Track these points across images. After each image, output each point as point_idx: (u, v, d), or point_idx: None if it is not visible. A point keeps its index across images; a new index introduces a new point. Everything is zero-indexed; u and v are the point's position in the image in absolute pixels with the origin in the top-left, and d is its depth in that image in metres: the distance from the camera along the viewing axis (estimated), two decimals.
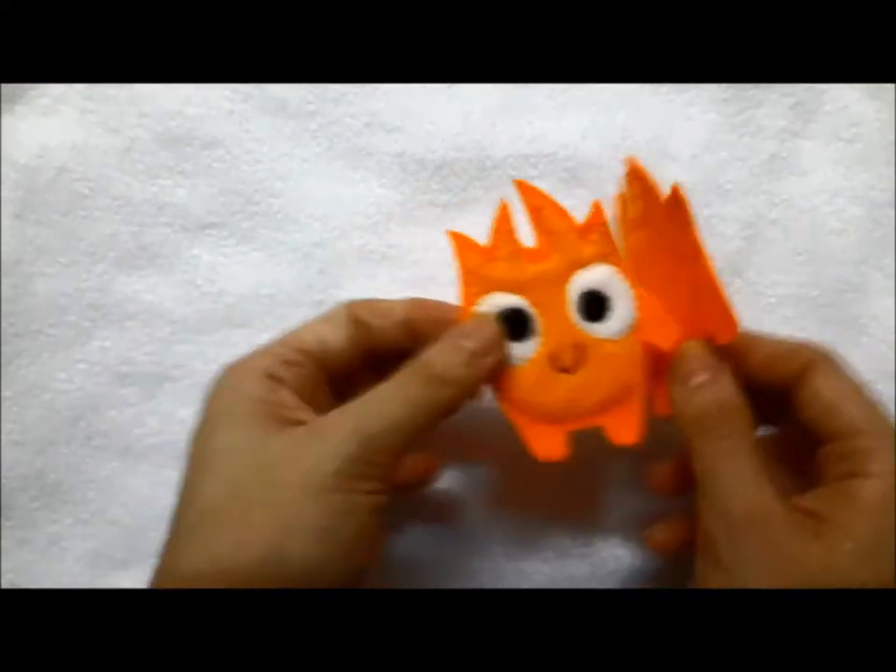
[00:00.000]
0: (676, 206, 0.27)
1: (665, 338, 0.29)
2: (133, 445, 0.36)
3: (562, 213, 0.30)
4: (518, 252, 0.29)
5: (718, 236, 0.36)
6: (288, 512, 0.24)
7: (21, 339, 0.36)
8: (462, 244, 0.30)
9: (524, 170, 0.36)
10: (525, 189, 0.30)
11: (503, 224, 0.30)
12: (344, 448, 0.25)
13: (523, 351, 0.29)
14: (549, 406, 0.29)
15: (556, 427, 0.29)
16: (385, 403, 0.26)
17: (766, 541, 0.25)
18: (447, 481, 0.36)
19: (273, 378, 0.27)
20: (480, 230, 0.36)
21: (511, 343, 0.29)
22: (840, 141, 0.37)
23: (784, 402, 0.29)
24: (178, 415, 0.36)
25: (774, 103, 0.36)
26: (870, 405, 0.27)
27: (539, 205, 0.29)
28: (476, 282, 0.29)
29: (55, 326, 0.36)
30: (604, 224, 0.30)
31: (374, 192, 0.36)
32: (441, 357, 0.27)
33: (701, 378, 0.27)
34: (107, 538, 0.36)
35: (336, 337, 0.29)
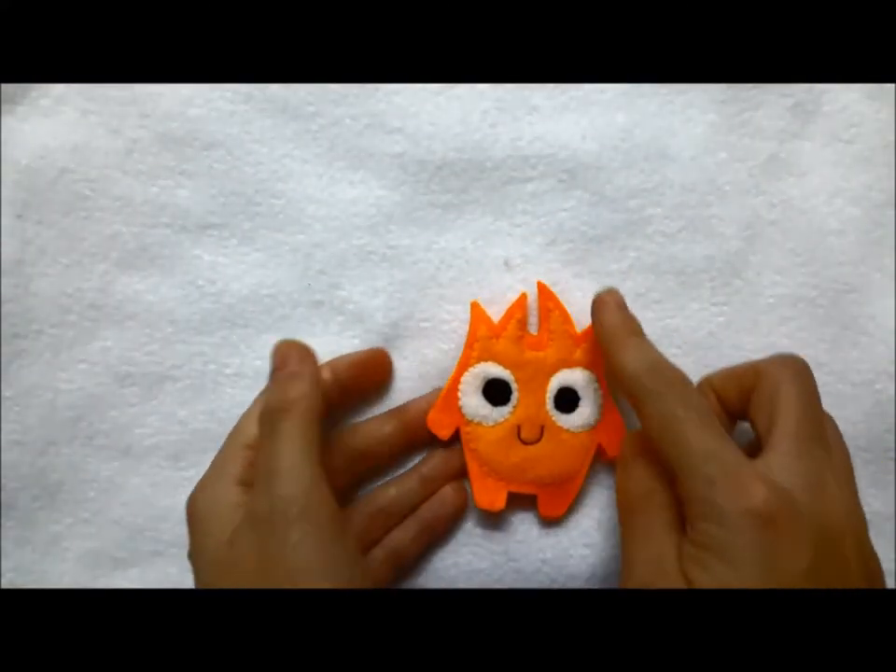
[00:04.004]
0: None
1: (614, 446, 0.34)
2: (133, 445, 0.36)
3: (567, 318, 0.34)
4: (521, 337, 0.34)
5: (717, 237, 0.36)
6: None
7: (23, 339, 0.36)
8: (478, 315, 0.34)
9: (523, 171, 0.36)
10: (544, 291, 0.35)
11: (515, 312, 0.34)
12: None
13: (495, 415, 0.34)
14: (501, 465, 0.34)
15: (501, 484, 0.34)
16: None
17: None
18: None
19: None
20: (479, 230, 0.37)
21: (490, 406, 0.34)
22: (839, 142, 0.37)
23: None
24: (179, 415, 0.36)
25: (773, 104, 0.37)
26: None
27: (551, 307, 0.34)
28: (478, 349, 0.34)
29: (56, 326, 0.36)
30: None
31: (374, 193, 0.37)
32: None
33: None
34: (108, 537, 0.36)
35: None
